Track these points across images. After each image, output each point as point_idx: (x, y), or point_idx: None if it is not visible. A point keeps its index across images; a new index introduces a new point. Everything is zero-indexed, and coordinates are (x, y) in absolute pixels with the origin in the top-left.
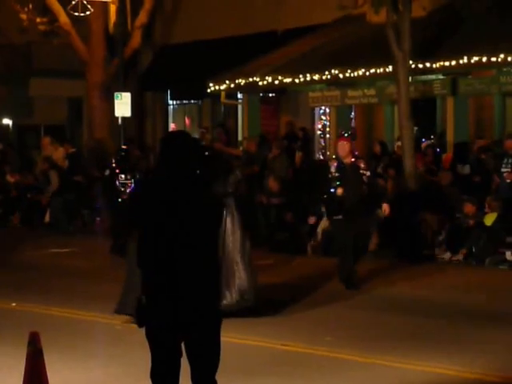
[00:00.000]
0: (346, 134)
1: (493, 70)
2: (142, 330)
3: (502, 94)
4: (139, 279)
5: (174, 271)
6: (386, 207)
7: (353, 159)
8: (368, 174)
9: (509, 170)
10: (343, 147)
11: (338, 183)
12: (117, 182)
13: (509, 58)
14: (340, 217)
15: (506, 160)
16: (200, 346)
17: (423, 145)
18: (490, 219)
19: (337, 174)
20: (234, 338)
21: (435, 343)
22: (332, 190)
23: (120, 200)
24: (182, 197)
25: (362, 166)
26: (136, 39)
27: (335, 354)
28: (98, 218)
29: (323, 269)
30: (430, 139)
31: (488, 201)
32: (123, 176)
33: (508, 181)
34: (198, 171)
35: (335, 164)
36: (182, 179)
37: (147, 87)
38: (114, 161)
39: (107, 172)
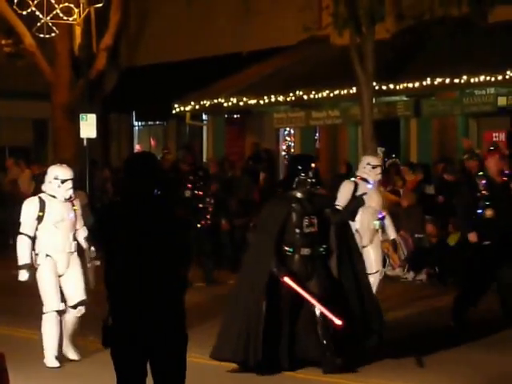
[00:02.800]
0: (492, 148)
1: (456, 91)
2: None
3: (465, 115)
4: (239, 318)
5: (148, 286)
6: None
7: (504, 178)
8: None
9: None
10: (496, 163)
11: (487, 203)
12: (200, 205)
13: (471, 80)
14: (488, 242)
15: None
16: (167, 363)
17: (387, 163)
18: (453, 239)
19: (485, 193)
20: (194, 357)
21: (396, 363)
22: (480, 211)
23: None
24: (151, 216)
25: None
26: (101, 61)
27: (301, 374)
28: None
29: None
30: (393, 158)
31: (451, 221)
32: (207, 199)
33: None
34: (160, 192)
35: (483, 181)
36: (146, 200)
37: (112, 108)
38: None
39: (188, 193)
